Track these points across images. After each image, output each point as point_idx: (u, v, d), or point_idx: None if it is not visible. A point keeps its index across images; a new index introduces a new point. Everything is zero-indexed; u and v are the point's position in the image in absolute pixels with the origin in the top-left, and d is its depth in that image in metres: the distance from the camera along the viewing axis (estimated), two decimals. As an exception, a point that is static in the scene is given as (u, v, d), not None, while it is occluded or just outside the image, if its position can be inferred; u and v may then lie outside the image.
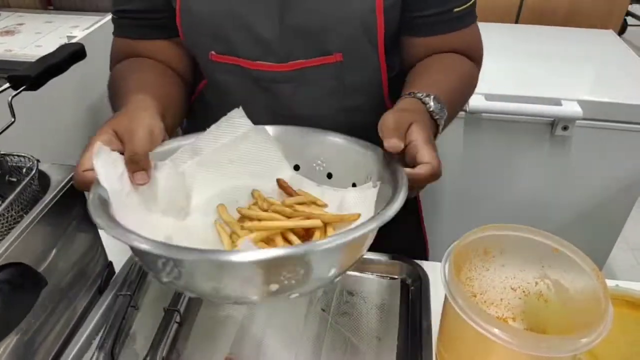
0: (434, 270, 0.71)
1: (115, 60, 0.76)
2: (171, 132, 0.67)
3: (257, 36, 0.68)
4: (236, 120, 0.60)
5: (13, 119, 0.62)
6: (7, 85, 0.64)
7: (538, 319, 0.62)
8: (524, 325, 0.64)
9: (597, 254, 1.61)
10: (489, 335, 0.49)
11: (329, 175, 0.62)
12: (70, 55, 0.70)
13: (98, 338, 0.61)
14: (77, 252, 0.64)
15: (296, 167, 0.63)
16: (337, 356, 0.63)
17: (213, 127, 0.59)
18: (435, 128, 0.61)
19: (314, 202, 0.58)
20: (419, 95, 0.62)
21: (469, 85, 0.76)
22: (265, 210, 0.55)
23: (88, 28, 1.45)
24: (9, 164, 0.63)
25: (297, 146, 0.62)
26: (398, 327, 0.65)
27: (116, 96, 0.66)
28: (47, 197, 0.58)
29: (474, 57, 0.77)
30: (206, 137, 0.59)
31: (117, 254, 0.73)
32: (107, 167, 0.50)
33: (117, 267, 0.73)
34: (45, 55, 0.68)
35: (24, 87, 0.64)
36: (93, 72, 1.51)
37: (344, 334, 0.65)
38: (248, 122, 0.60)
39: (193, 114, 0.83)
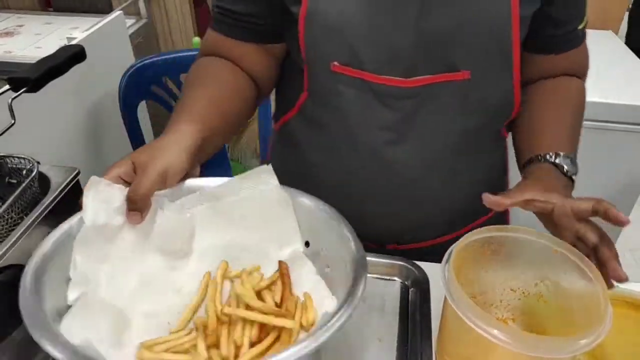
0: (434, 272, 0.71)
1: (203, 50, 0.75)
2: (216, 149, 0.66)
3: (386, 45, 0.65)
4: (263, 176, 0.58)
5: (13, 121, 0.62)
6: (7, 87, 0.64)
7: (537, 320, 0.62)
8: (524, 326, 0.64)
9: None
10: (488, 336, 0.49)
11: (328, 267, 0.57)
12: (71, 57, 0.70)
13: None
14: (77, 253, 0.64)
15: (307, 244, 0.59)
16: (337, 357, 0.63)
17: (237, 178, 0.58)
18: (571, 184, 0.65)
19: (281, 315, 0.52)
20: (554, 160, 0.65)
21: (583, 113, 0.77)
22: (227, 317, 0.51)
23: (88, 29, 1.45)
24: (9, 165, 0.64)
25: (316, 223, 0.58)
26: (398, 329, 0.65)
27: (177, 105, 0.65)
28: (48, 199, 0.58)
29: (584, 72, 0.79)
30: (227, 185, 0.58)
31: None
32: (97, 200, 0.51)
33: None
34: (45, 57, 0.69)
35: (24, 89, 0.64)
36: (93, 73, 1.52)
37: (344, 335, 0.65)
38: (275, 181, 0.58)
39: (285, 131, 0.81)
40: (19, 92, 0.64)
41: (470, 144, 0.73)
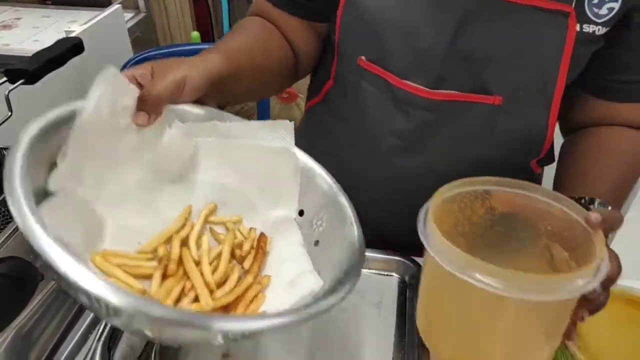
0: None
1: (250, 13, 0.74)
2: (238, 97, 0.63)
3: (418, 50, 0.61)
4: (281, 131, 0.55)
5: (10, 113, 0.61)
6: (4, 79, 0.64)
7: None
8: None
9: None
10: (471, 280, 0.41)
11: (316, 243, 0.53)
12: (69, 49, 0.70)
13: (95, 332, 0.61)
14: (74, 246, 0.64)
15: (301, 213, 0.56)
16: (334, 353, 0.63)
17: (256, 123, 0.55)
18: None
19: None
20: (588, 205, 0.57)
21: (637, 169, 0.69)
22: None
23: (86, 23, 1.44)
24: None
25: (320, 196, 0.54)
26: (395, 324, 0.65)
27: None
28: (44, 191, 0.58)
29: None
30: (242, 127, 0.55)
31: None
32: (106, 92, 0.45)
33: (114, 263, 0.73)
34: (43, 49, 0.68)
35: (21, 81, 0.64)
36: (91, 67, 1.51)
37: (342, 331, 0.65)
38: (291, 140, 0.55)
39: (309, 114, 0.79)
40: (16, 84, 0.64)
41: (487, 173, 0.68)
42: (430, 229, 0.47)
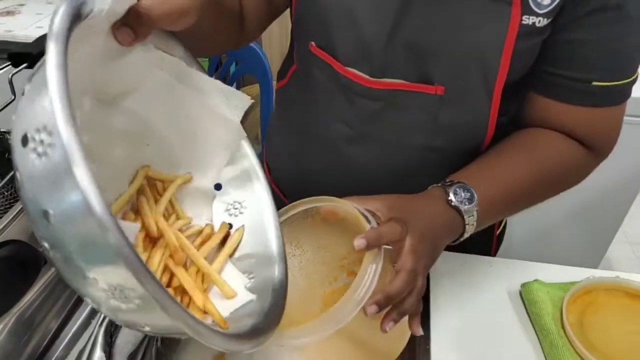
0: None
1: None
2: (198, 42, 0.54)
3: (361, 39, 0.60)
4: (235, 101, 0.53)
5: (13, 97, 0.61)
6: (8, 63, 0.64)
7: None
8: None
9: (596, 248, 1.61)
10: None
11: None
12: (72, 33, 0.69)
13: (97, 317, 0.61)
14: (76, 231, 0.64)
15: (217, 187, 0.55)
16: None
17: (218, 84, 0.52)
18: (454, 224, 0.57)
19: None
20: (447, 187, 0.58)
21: (557, 182, 0.66)
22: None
23: (89, 10, 1.43)
24: (9, 141, 0.63)
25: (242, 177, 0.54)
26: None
27: None
28: (47, 176, 0.58)
29: (594, 144, 0.64)
30: (202, 80, 0.51)
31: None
32: None
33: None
34: (46, 34, 0.68)
35: (24, 65, 0.64)
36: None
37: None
38: (240, 114, 0.53)
39: (277, 96, 0.80)
40: (19, 68, 0.63)
41: (433, 161, 0.67)
42: None
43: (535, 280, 0.65)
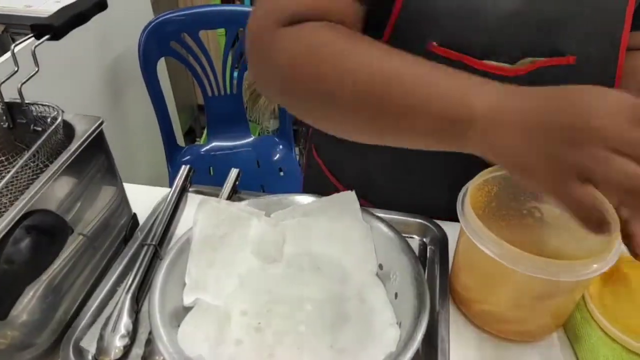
0: (454, 231, 0.71)
1: (295, 13, 0.56)
2: None
3: (492, 27, 0.59)
4: (346, 201, 0.64)
5: (37, 69, 0.62)
6: (31, 34, 0.64)
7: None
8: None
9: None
10: (499, 260, 0.51)
11: (396, 296, 0.60)
12: (93, 4, 0.69)
13: (124, 284, 0.63)
14: (101, 202, 0.65)
15: (380, 266, 0.63)
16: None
17: (325, 199, 0.65)
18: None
19: None
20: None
21: None
22: None
23: (107, -19, 1.43)
24: (34, 113, 0.64)
25: (390, 249, 0.62)
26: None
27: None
28: (73, 146, 0.58)
29: None
30: (316, 204, 0.66)
31: (140, 206, 0.74)
32: (205, 215, 0.61)
33: (141, 219, 0.74)
34: (67, 5, 0.68)
35: (47, 36, 0.64)
36: (113, 28, 1.50)
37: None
38: (357, 206, 0.64)
39: None
40: (41, 40, 0.63)
41: None
42: (466, 209, 0.56)
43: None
